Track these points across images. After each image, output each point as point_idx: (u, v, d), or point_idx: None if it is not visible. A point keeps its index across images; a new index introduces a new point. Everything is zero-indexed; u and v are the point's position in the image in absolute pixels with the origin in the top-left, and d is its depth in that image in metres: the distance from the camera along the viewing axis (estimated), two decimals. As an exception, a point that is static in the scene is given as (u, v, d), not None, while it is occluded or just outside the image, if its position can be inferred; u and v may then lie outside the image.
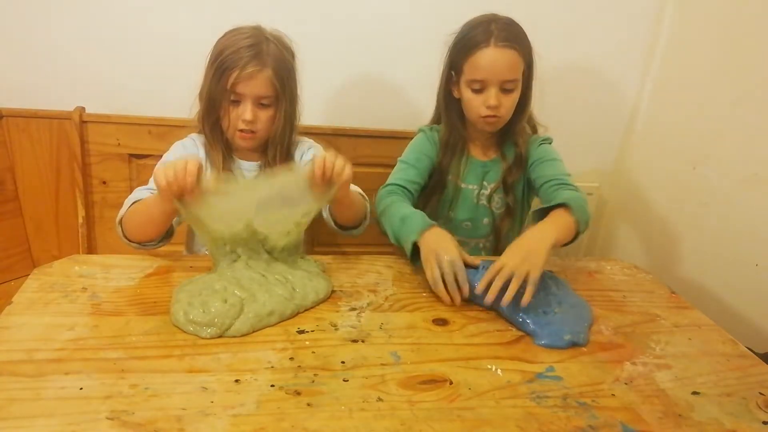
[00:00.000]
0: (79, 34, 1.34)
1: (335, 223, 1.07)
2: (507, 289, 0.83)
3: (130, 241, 0.96)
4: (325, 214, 1.07)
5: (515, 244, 0.90)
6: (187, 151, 1.09)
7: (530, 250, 0.87)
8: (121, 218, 0.97)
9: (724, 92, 1.30)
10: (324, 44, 1.41)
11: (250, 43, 1.00)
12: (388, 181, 1.13)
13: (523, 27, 1.09)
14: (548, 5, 1.45)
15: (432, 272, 0.88)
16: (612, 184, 1.69)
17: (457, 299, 0.87)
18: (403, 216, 1.00)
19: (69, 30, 1.34)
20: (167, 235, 0.98)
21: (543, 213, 0.98)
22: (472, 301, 0.89)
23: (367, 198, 1.09)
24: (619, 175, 1.66)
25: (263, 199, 0.87)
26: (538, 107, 1.18)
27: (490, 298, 0.84)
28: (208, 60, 1.02)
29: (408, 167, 1.15)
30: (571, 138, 1.59)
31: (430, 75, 1.18)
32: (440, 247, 0.90)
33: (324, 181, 0.87)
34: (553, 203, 0.98)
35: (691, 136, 1.40)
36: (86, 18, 1.33)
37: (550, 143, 1.19)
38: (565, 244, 0.99)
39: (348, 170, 0.89)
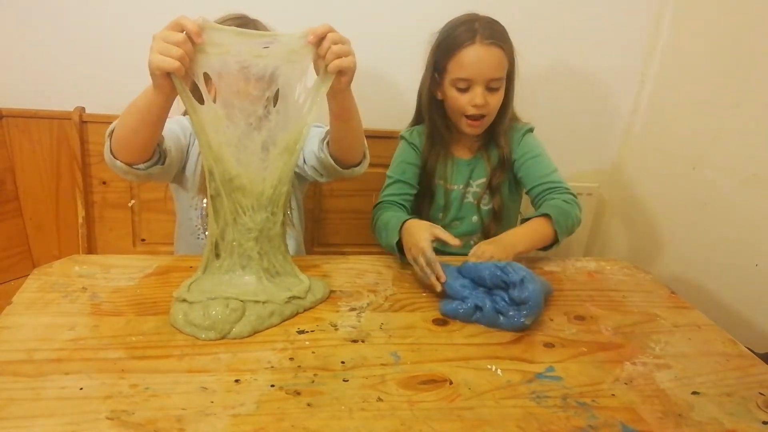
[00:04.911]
0: (79, 34, 1.34)
1: (333, 159, 0.97)
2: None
3: (115, 159, 0.87)
4: (322, 155, 0.98)
5: (488, 241, 0.97)
6: (180, 125, 1.04)
7: (500, 247, 0.94)
8: (111, 130, 0.88)
9: (723, 92, 1.30)
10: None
11: (238, 15, 1.02)
12: (379, 199, 1.16)
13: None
14: (548, 5, 1.45)
15: (415, 269, 0.93)
16: (611, 184, 1.69)
17: (437, 286, 0.88)
18: (385, 223, 1.05)
19: (69, 30, 1.34)
20: (158, 158, 0.91)
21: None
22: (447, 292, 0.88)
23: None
24: (618, 175, 1.66)
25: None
26: (538, 107, 1.18)
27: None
28: None
29: (394, 182, 1.17)
30: (570, 138, 1.60)
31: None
32: (412, 244, 0.94)
33: (321, 56, 0.77)
34: (536, 214, 1.04)
35: (691, 136, 1.40)
36: (86, 18, 1.33)
37: (532, 131, 1.19)
38: (543, 249, 1.04)
39: (349, 61, 0.79)
